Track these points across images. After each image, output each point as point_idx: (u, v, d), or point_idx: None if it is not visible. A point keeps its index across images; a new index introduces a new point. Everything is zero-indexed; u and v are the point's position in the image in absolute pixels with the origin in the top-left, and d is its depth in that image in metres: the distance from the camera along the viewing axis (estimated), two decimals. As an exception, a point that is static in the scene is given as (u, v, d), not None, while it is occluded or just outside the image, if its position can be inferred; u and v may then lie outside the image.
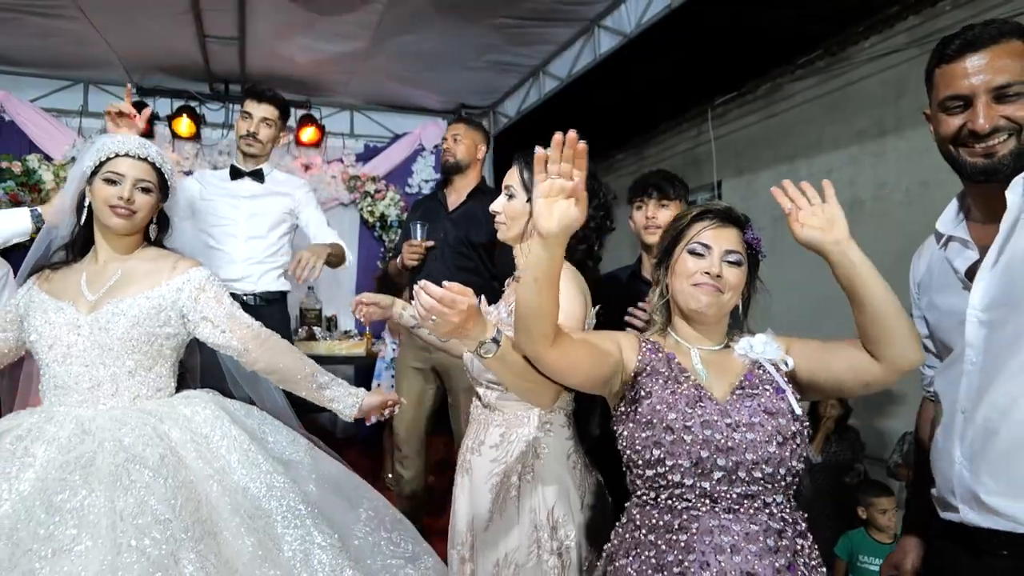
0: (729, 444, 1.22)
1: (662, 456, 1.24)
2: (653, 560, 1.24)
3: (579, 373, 1.30)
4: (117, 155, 1.67)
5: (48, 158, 4.38)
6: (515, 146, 3.17)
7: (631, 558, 1.28)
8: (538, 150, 1.16)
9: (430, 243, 2.95)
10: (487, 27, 3.73)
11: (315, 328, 4.33)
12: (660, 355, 1.36)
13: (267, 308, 2.70)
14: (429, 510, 3.18)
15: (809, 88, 4.55)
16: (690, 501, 1.23)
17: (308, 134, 4.76)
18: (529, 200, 1.61)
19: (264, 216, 2.77)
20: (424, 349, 2.98)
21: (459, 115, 5.15)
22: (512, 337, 1.29)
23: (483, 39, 3.92)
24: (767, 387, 1.30)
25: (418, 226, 2.96)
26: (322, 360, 4.02)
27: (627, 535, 1.32)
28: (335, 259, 2.73)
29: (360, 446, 4.44)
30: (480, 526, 1.61)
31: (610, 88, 4.44)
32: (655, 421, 1.26)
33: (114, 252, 1.73)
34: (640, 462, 1.28)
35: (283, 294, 2.85)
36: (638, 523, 1.29)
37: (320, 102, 4.93)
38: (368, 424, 1.87)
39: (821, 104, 4.43)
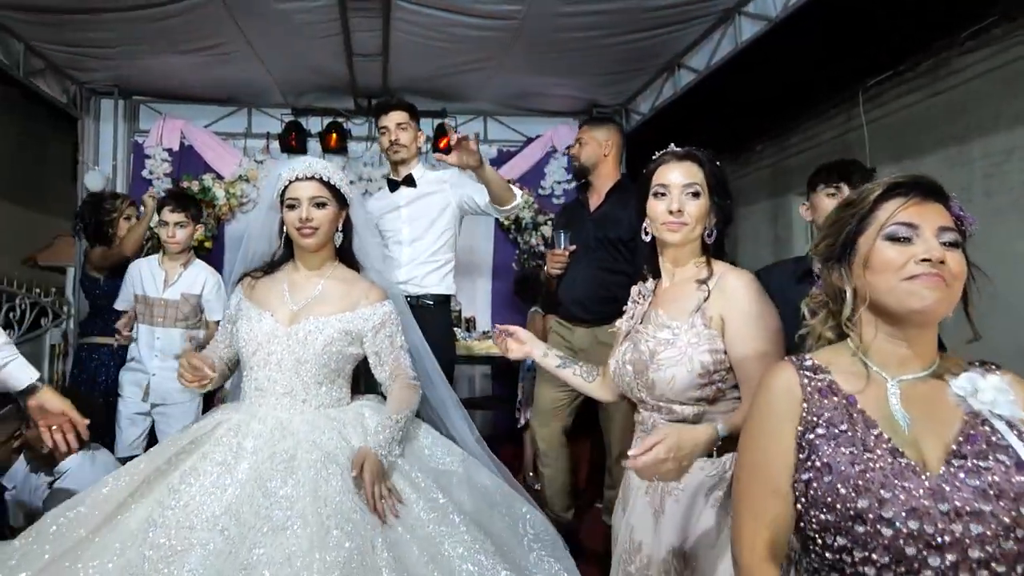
0: (946, 539, 0.92)
1: (849, 546, 0.97)
2: None
3: None
4: (291, 181, 1.84)
5: (220, 177, 4.85)
6: (650, 143, 3.11)
7: None
8: None
9: (572, 247, 2.98)
10: (621, 24, 3.68)
11: (455, 329, 4.47)
12: (836, 399, 1.05)
13: (432, 311, 2.81)
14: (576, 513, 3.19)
15: (981, 61, 4.10)
16: None
17: (445, 142, 4.94)
18: (716, 201, 1.56)
19: (421, 218, 2.90)
20: (570, 348, 3.01)
21: (589, 116, 5.14)
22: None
23: (616, 37, 3.87)
24: (999, 455, 0.96)
25: (561, 234, 3.03)
26: (462, 360, 4.19)
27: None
28: (497, 182, 2.77)
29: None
30: (706, 541, 1.47)
31: (752, 77, 4.23)
32: (838, 506, 0.98)
33: (311, 266, 1.90)
34: (820, 542, 1.01)
35: (447, 297, 2.97)
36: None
37: (454, 110, 5.10)
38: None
39: (998, 77, 3.98)
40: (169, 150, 4.85)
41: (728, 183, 1.60)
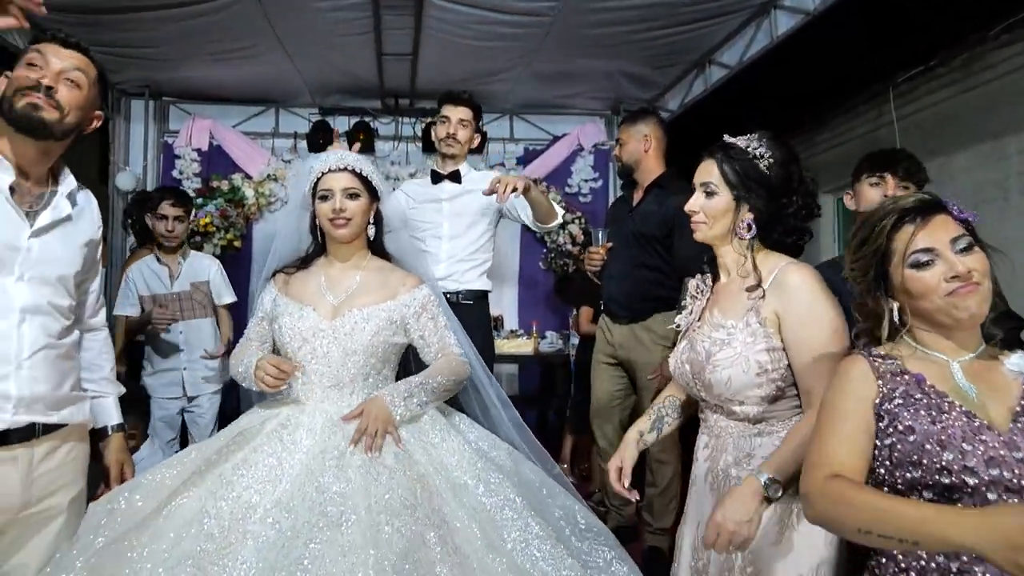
0: (1023, 483, 1.06)
1: (935, 499, 1.10)
2: None
3: None
4: (323, 173, 1.83)
5: (248, 176, 4.87)
6: (679, 141, 3.10)
7: None
8: None
9: (608, 244, 2.98)
10: (655, 19, 3.66)
11: (485, 328, 4.47)
12: (907, 378, 1.19)
13: (469, 307, 2.81)
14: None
15: (1017, 55, 4.04)
16: None
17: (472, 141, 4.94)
18: (738, 197, 1.52)
19: (463, 215, 2.89)
20: (611, 344, 3.04)
21: (615, 113, 5.14)
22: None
23: (647, 33, 3.86)
24: None
25: (599, 232, 3.07)
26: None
27: (887, 573, 1.18)
28: (543, 204, 2.79)
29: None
30: (767, 540, 1.45)
31: (784, 72, 4.19)
32: (924, 462, 1.10)
33: (346, 259, 1.89)
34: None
35: (485, 293, 2.96)
36: (903, 565, 1.16)
37: (481, 108, 5.09)
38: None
39: (1035, 70, 3.92)
40: (198, 150, 4.89)
41: (761, 171, 1.52)
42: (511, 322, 4.99)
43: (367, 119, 5.03)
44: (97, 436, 1.74)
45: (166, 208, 3.18)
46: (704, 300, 1.65)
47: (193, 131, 4.88)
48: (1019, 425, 1.10)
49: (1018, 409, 1.12)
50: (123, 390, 1.83)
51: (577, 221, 5.04)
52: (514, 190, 2.54)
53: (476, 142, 3.03)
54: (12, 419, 1.43)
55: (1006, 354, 1.20)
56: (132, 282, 3.21)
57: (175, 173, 4.87)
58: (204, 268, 3.30)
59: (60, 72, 1.49)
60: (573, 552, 1.67)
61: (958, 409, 1.13)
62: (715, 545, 1.35)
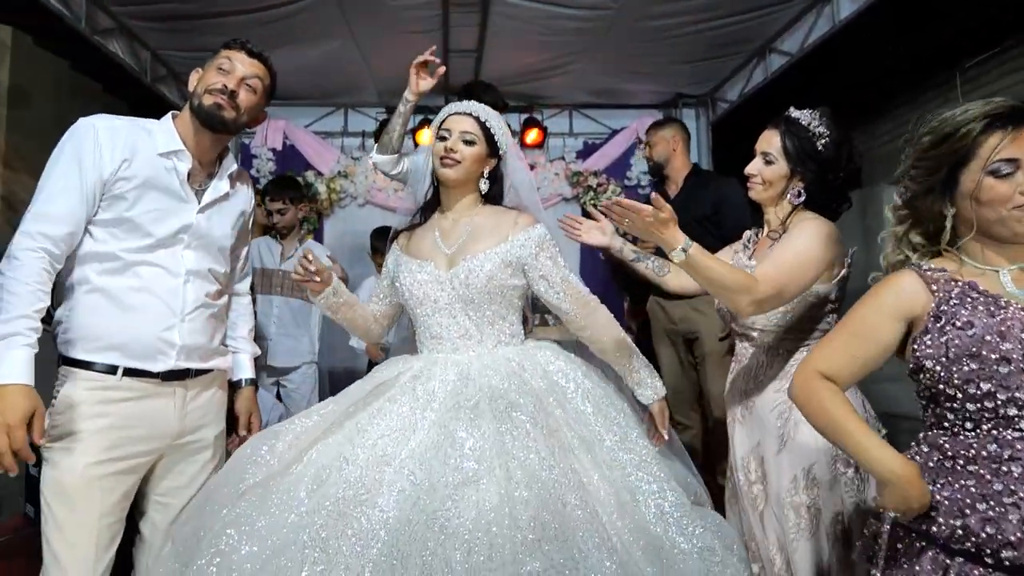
0: None
1: (993, 390, 1.16)
2: (973, 490, 1.18)
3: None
4: (448, 115, 1.85)
5: (319, 173, 5.12)
6: (739, 131, 3.18)
7: (939, 486, 1.22)
8: None
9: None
10: (717, 7, 3.73)
11: (547, 316, 4.57)
12: (958, 284, 1.24)
13: None
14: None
15: (1094, 34, 3.94)
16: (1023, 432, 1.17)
17: (532, 136, 5.08)
18: (791, 170, 1.77)
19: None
20: (672, 322, 3.36)
21: (675, 106, 5.20)
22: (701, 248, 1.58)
23: (708, 23, 3.92)
24: None
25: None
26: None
27: (930, 463, 1.25)
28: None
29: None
30: (770, 451, 1.77)
31: (846, 59, 4.18)
32: (984, 352, 1.17)
33: (459, 209, 1.86)
34: (960, 396, 1.20)
35: None
36: (948, 452, 1.23)
37: (541, 104, 5.23)
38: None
39: (1114, 49, 3.81)
40: (273, 149, 5.16)
41: (817, 149, 1.75)
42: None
43: (431, 117, 5.19)
44: (231, 388, 1.96)
45: (267, 204, 3.55)
46: (752, 248, 1.91)
47: (268, 131, 5.15)
48: None
49: None
50: (259, 351, 2.07)
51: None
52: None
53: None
54: (175, 364, 1.70)
55: None
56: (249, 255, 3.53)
57: (252, 171, 5.14)
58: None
59: (243, 78, 1.77)
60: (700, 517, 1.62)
61: (1015, 306, 1.19)
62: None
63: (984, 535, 1.14)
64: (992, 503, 1.15)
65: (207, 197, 1.78)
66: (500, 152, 1.88)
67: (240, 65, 1.77)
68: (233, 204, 1.87)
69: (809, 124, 1.76)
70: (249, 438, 1.82)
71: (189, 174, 1.74)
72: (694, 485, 1.77)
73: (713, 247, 3.18)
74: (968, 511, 1.16)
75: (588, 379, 1.76)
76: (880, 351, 1.30)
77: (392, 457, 1.53)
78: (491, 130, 1.84)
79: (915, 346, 1.26)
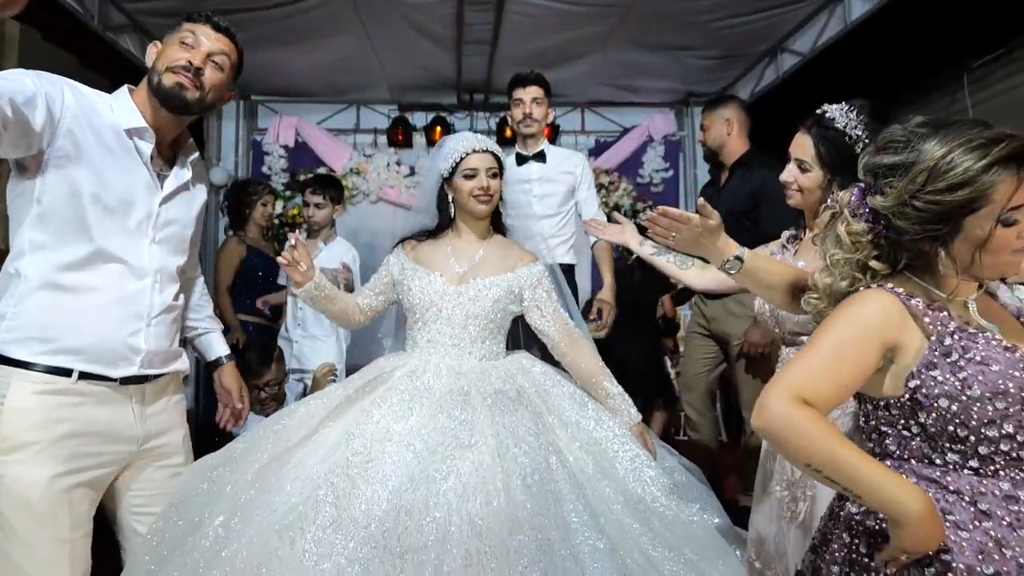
0: None
1: (1013, 431, 1.09)
2: (992, 532, 1.10)
3: None
4: (468, 154, 1.98)
5: (332, 170, 5.15)
6: (752, 129, 3.17)
7: (950, 524, 1.12)
8: None
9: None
10: (729, 5, 3.76)
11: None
12: (943, 314, 1.15)
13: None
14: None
15: (1103, 34, 3.98)
16: None
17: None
18: (829, 178, 1.67)
19: (553, 196, 3.05)
20: (706, 318, 3.19)
21: (685, 105, 5.22)
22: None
23: (720, 21, 3.96)
24: None
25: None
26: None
27: (941, 503, 1.14)
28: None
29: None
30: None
31: (857, 59, 4.22)
32: (1012, 389, 1.08)
33: (475, 234, 2.05)
34: (975, 437, 1.10)
35: (571, 267, 3.11)
36: (951, 488, 1.14)
37: (554, 102, 5.22)
38: None
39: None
40: (285, 146, 5.20)
41: (855, 154, 1.58)
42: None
43: (443, 115, 5.25)
44: (211, 368, 1.92)
45: (307, 195, 3.55)
46: (793, 251, 1.84)
47: (280, 128, 5.19)
48: None
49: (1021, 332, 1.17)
50: (222, 326, 2.02)
51: (648, 210, 5.14)
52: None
53: (551, 117, 3.19)
54: (137, 370, 1.58)
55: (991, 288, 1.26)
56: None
57: (264, 169, 5.18)
58: (337, 257, 3.49)
59: (209, 54, 1.61)
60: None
61: (997, 339, 1.12)
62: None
63: None
64: (1018, 548, 1.08)
65: (169, 185, 1.64)
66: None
67: (205, 40, 1.61)
68: (194, 192, 1.73)
69: (845, 125, 1.64)
70: (263, 421, 1.88)
71: (151, 157, 1.60)
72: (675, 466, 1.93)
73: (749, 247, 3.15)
74: (996, 556, 1.08)
75: (566, 381, 1.98)
76: (863, 380, 1.15)
77: (394, 433, 1.68)
78: (501, 159, 2.04)
79: (916, 382, 1.14)
